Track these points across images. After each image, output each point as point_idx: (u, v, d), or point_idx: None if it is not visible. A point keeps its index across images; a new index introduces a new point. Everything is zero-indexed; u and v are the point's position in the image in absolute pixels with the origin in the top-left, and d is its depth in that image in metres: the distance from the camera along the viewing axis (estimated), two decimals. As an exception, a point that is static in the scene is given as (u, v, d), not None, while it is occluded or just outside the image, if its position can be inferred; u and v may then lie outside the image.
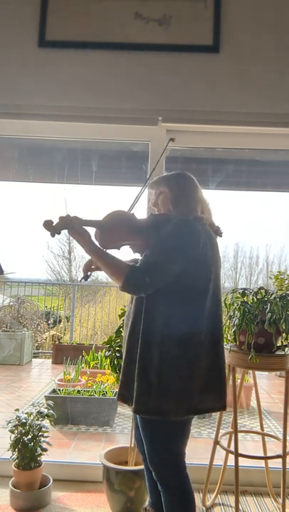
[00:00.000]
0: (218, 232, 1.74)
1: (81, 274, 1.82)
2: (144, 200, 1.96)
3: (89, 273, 1.79)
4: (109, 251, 1.65)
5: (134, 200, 1.78)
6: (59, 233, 1.61)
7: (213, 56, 2.43)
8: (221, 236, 1.75)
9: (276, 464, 2.28)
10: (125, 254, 1.71)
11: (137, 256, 1.73)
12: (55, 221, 1.60)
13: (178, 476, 1.62)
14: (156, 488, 1.69)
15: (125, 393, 1.62)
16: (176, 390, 1.53)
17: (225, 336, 2.16)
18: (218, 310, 1.65)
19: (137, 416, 1.66)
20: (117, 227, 1.65)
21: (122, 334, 1.81)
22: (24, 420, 2.25)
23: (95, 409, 3.59)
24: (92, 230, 1.65)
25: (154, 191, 1.76)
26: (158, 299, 1.55)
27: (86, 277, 1.79)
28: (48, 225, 1.59)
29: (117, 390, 1.70)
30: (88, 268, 1.79)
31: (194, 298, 1.57)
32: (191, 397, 1.55)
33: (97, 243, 1.63)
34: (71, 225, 1.61)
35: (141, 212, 1.80)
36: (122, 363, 1.66)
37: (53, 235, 1.59)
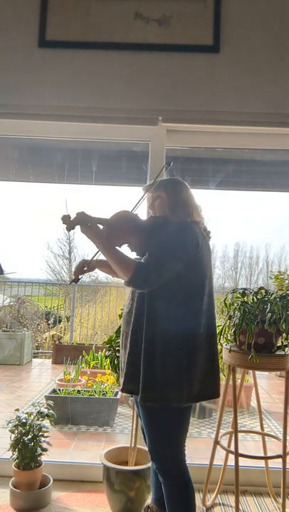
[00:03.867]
0: (208, 236, 1.84)
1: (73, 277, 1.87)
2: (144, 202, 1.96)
3: (80, 276, 1.84)
4: None
5: (137, 203, 1.83)
6: (74, 228, 1.69)
7: (213, 56, 2.43)
8: (209, 240, 1.84)
9: (276, 463, 2.28)
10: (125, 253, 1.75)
11: (134, 255, 1.79)
12: (73, 216, 1.69)
13: (178, 466, 1.70)
14: (160, 484, 1.74)
15: (130, 385, 1.69)
16: (179, 378, 1.63)
17: (225, 335, 2.17)
18: (213, 306, 1.76)
19: (140, 408, 1.74)
20: (123, 226, 1.74)
21: (122, 331, 1.83)
22: (24, 420, 2.25)
23: (95, 409, 3.59)
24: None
25: (150, 195, 1.85)
26: (160, 295, 1.64)
27: (76, 280, 1.84)
28: (66, 219, 1.68)
29: (121, 384, 1.75)
30: (80, 271, 1.84)
31: (193, 295, 1.68)
32: (192, 386, 1.65)
33: None
34: (86, 221, 1.70)
35: (142, 214, 1.84)
36: (126, 357, 1.72)
37: (68, 230, 1.69)
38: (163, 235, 1.66)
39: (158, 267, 1.61)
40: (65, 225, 1.68)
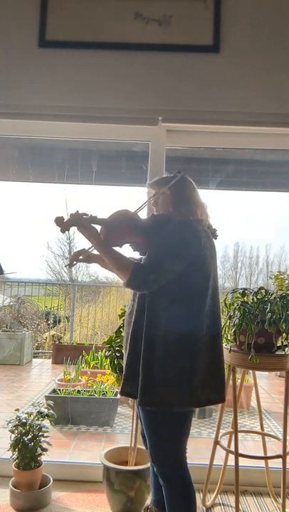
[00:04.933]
0: (214, 234, 1.80)
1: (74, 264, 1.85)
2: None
3: (74, 262, 1.82)
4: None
5: (142, 204, 1.81)
6: (68, 230, 1.68)
7: (213, 56, 2.43)
8: (216, 238, 1.80)
9: (276, 463, 2.28)
10: (126, 253, 1.74)
11: (137, 254, 1.78)
12: (66, 218, 1.67)
13: (179, 470, 1.66)
14: (160, 486, 1.72)
15: (129, 388, 1.66)
16: (180, 382, 1.59)
17: (225, 335, 2.17)
18: (217, 307, 1.71)
19: (140, 410, 1.70)
20: (122, 225, 1.71)
21: (123, 333, 1.82)
22: (24, 420, 2.25)
23: (95, 409, 3.59)
24: (97, 228, 1.72)
25: (154, 191, 1.82)
26: (160, 296, 1.61)
27: (71, 265, 1.82)
28: (59, 221, 1.66)
29: (120, 386, 1.73)
30: (75, 258, 1.81)
31: (195, 295, 1.63)
32: (194, 390, 1.61)
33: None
34: (80, 222, 1.67)
35: (143, 212, 1.82)
36: (126, 359, 1.70)
37: (63, 231, 1.67)
38: (164, 234, 1.63)
39: (157, 268, 1.58)
40: (59, 228, 1.66)
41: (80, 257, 1.82)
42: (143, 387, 1.58)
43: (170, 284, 1.59)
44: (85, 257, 1.82)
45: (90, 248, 1.79)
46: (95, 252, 1.79)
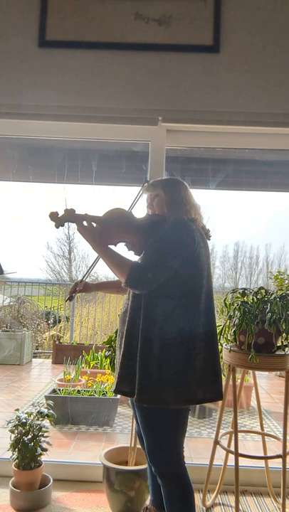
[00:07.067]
0: (207, 235, 1.82)
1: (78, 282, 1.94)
2: (142, 202, 1.96)
3: (73, 294, 1.92)
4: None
5: (132, 202, 1.83)
6: (63, 225, 1.70)
7: (213, 56, 2.42)
8: (209, 239, 1.82)
9: (276, 463, 2.28)
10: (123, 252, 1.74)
11: (132, 254, 1.79)
12: (61, 213, 1.70)
13: (177, 469, 1.67)
14: (158, 486, 1.72)
15: (125, 387, 1.67)
16: (176, 380, 1.60)
17: (225, 335, 2.17)
18: (212, 306, 1.73)
19: (136, 409, 1.70)
20: (116, 223, 1.72)
21: (118, 331, 1.83)
22: (24, 420, 2.25)
23: (95, 409, 3.59)
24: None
25: (149, 193, 1.85)
26: (156, 294, 1.62)
27: (71, 298, 1.93)
28: (53, 216, 1.68)
29: (114, 384, 1.73)
30: (73, 290, 1.92)
31: (191, 293, 1.65)
32: (190, 387, 1.62)
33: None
34: (75, 219, 1.70)
35: (139, 213, 1.84)
36: (120, 358, 1.70)
37: (57, 227, 1.69)
38: (158, 233, 1.65)
39: (154, 267, 1.59)
40: (53, 223, 1.68)
41: (77, 289, 1.91)
42: (140, 385, 1.59)
43: (166, 282, 1.61)
44: (82, 287, 1.92)
45: (83, 278, 1.89)
46: (87, 276, 1.90)
